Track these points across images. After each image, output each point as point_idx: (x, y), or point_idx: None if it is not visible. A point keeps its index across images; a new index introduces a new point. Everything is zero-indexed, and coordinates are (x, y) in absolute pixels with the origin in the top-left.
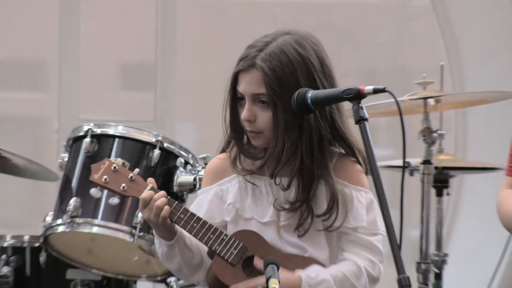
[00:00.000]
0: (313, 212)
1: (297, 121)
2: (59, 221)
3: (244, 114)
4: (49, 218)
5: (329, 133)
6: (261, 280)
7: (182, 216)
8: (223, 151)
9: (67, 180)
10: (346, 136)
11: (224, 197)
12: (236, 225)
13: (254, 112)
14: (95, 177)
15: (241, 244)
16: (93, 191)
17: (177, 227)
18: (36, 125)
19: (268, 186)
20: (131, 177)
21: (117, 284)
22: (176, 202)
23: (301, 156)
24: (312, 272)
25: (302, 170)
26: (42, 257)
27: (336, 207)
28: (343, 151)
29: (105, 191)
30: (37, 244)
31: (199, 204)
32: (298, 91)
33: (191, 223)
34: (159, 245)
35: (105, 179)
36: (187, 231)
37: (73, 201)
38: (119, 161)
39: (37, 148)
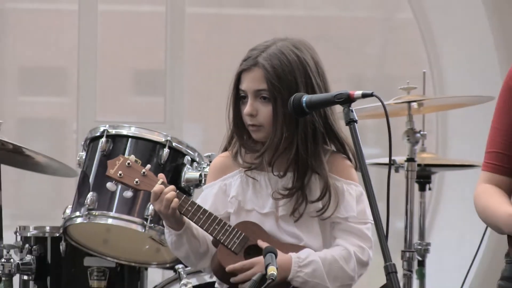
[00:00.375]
0: (307, 198)
1: (294, 115)
2: (77, 213)
3: (247, 109)
4: (68, 211)
5: (322, 127)
6: (256, 260)
7: (189, 208)
8: (225, 149)
9: (84, 176)
10: (337, 131)
11: (227, 191)
12: (238, 216)
13: (256, 107)
14: (110, 172)
15: (243, 234)
16: (109, 185)
17: (185, 218)
18: (57, 127)
19: (267, 180)
20: (144, 172)
21: (130, 270)
22: (184, 195)
23: (297, 147)
24: (302, 253)
25: (297, 160)
26: (62, 246)
27: (329, 196)
28: (335, 149)
29: (120, 185)
30: (57, 234)
31: (205, 198)
32: (293, 96)
33: (198, 214)
34: (169, 235)
35: (120, 174)
36: (194, 222)
37: (90, 195)
38: (133, 157)
39: (58, 147)
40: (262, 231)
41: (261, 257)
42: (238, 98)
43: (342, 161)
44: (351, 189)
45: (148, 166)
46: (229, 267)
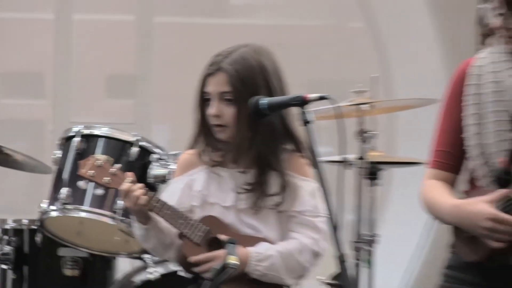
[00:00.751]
0: (266, 193)
1: (254, 117)
2: (53, 207)
3: (212, 110)
4: (44, 205)
5: (281, 127)
6: (218, 252)
7: (156, 204)
8: (191, 147)
9: (59, 173)
10: (294, 131)
11: (193, 186)
12: (203, 209)
13: (221, 109)
14: (82, 171)
15: (206, 227)
16: (81, 183)
17: (153, 213)
18: (35, 127)
19: (230, 176)
20: (113, 171)
21: (101, 260)
22: (152, 192)
23: (258, 145)
24: (260, 248)
25: (259, 158)
26: (38, 238)
27: (286, 191)
28: (292, 148)
29: (92, 183)
30: (34, 227)
31: (172, 191)
32: (254, 98)
33: (164, 210)
34: (137, 229)
35: (91, 174)
36: (160, 216)
37: (64, 191)
38: (103, 157)
39: (35, 146)
40: (224, 224)
41: (222, 250)
42: (204, 100)
43: (298, 160)
44: (306, 185)
45: (118, 165)
46: (193, 258)
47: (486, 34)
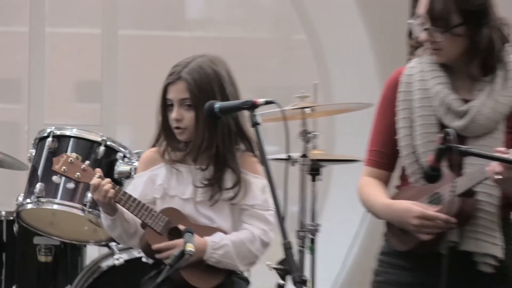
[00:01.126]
0: (222, 187)
1: (209, 119)
2: (28, 200)
3: (173, 115)
4: (20, 198)
5: (235, 129)
6: (177, 241)
7: (122, 197)
8: (153, 146)
9: (34, 169)
10: (246, 131)
11: (155, 180)
12: (163, 200)
13: (181, 113)
14: (56, 167)
15: (167, 218)
16: (55, 178)
17: (118, 205)
18: (11, 129)
19: (189, 172)
20: (83, 167)
21: (71, 247)
22: (118, 186)
23: (216, 145)
24: (216, 237)
25: (216, 156)
26: (15, 228)
27: (239, 187)
28: (245, 147)
29: (63, 178)
30: (11, 218)
31: (136, 185)
32: (208, 103)
33: (129, 202)
34: (105, 219)
35: (64, 169)
36: (126, 208)
37: (38, 185)
38: (74, 155)
39: (12, 145)
40: (183, 215)
41: (181, 239)
42: (166, 106)
43: (250, 159)
44: (257, 182)
45: (87, 162)
46: (155, 246)
47: (415, 46)
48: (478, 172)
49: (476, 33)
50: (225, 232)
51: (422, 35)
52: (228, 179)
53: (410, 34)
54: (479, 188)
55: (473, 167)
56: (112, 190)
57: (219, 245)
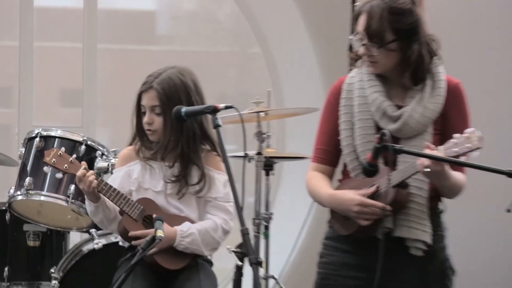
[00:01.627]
0: (188, 183)
1: (176, 122)
2: (18, 192)
3: (145, 119)
4: (11, 191)
5: (199, 131)
6: (151, 230)
7: (104, 187)
8: (130, 144)
9: (24, 165)
10: (209, 134)
11: (131, 174)
12: (138, 192)
13: (152, 118)
14: (47, 159)
15: (142, 206)
16: (45, 169)
17: (101, 194)
18: (3, 130)
19: (160, 168)
20: (71, 160)
21: (56, 233)
22: (100, 178)
23: (182, 146)
24: (184, 227)
25: (182, 155)
26: (7, 216)
27: (204, 181)
28: (208, 147)
29: (52, 169)
30: (4, 208)
31: (114, 179)
32: (175, 108)
33: (110, 192)
34: (89, 206)
35: (54, 161)
36: (107, 197)
37: (28, 180)
38: (63, 149)
39: (4, 145)
40: (156, 205)
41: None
42: (140, 110)
43: (214, 157)
44: (220, 177)
45: (74, 155)
46: (132, 233)
47: (355, 58)
48: (410, 166)
49: (407, 48)
50: (192, 221)
51: (361, 50)
52: (194, 175)
53: (350, 48)
54: (411, 182)
55: (405, 163)
56: (95, 181)
57: (187, 233)
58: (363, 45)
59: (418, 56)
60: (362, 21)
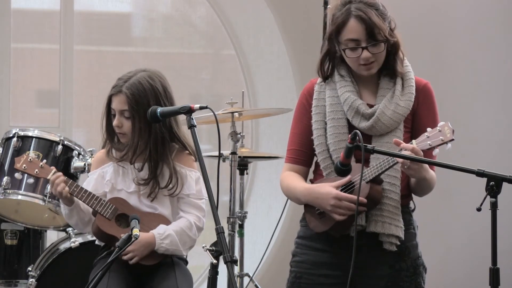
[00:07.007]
0: (159, 184)
1: (148, 127)
2: None
3: (115, 122)
4: None
5: (168, 135)
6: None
7: (75, 189)
8: (103, 147)
9: (1, 165)
10: (180, 137)
11: (104, 176)
12: (112, 194)
13: (121, 121)
14: (17, 165)
15: (114, 206)
16: (17, 175)
17: (74, 197)
18: None
19: (132, 169)
20: (41, 165)
21: (34, 232)
22: (71, 180)
23: (150, 149)
24: (160, 229)
25: (150, 158)
26: None
27: (176, 179)
28: (181, 147)
29: (25, 175)
30: None
31: (89, 181)
32: (151, 108)
33: (81, 193)
34: (63, 209)
35: (24, 167)
36: (79, 198)
37: (5, 179)
38: (33, 154)
39: None
40: (128, 204)
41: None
42: (110, 112)
43: (186, 156)
44: (191, 174)
45: (44, 160)
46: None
47: (325, 76)
48: (385, 161)
49: (389, 45)
50: (166, 218)
51: (364, 54)
52: (165, 175)
53: (321, 64)
54: (384, 178)
55: (378, 160)
56: (63, 184)
57: (164, 235)
58: (364, 48)
59: (395, 53)
60: (355, 28)
